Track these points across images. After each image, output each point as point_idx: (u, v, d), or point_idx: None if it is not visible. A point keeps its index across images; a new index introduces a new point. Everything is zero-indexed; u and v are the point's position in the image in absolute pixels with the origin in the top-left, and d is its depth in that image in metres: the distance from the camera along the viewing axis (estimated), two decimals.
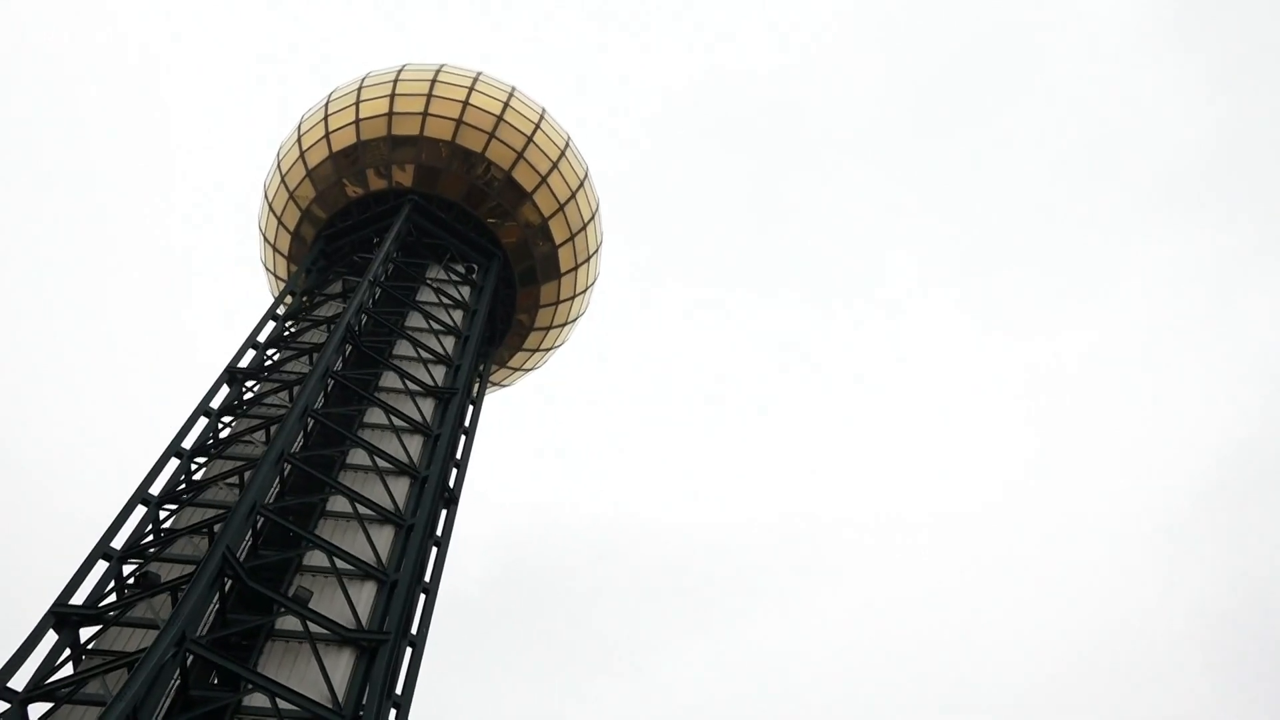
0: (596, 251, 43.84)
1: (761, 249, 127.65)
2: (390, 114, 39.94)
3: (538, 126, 41.20)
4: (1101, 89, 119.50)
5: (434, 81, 40.67)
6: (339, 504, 26.91)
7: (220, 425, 29.65)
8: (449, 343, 35.29)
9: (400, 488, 28.35)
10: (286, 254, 41.80)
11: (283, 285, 41.58)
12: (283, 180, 40.97)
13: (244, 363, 31.88)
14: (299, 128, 41.51)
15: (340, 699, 21.58)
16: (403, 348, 34.01)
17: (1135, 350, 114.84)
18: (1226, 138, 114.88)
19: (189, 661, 20.31)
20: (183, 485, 27.18)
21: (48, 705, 20.83)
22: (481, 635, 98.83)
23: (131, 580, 23.87)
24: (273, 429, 28.04)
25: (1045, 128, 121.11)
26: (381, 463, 28.66)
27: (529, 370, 46.43)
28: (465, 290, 38.36)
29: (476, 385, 38.43)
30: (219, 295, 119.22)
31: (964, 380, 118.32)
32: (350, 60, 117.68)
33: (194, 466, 28.08)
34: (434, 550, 29.55)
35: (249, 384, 31.55)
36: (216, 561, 21.29)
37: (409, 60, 42.20)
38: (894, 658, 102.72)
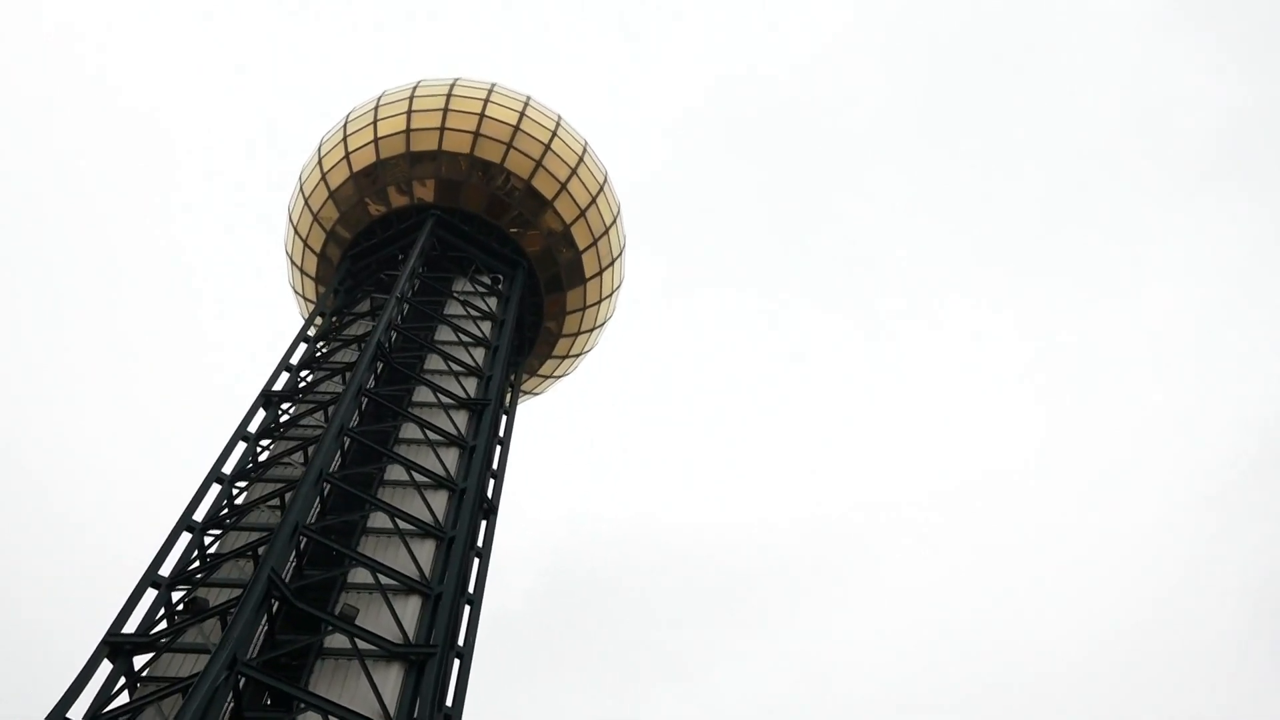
0: (620, 255, 43.91)
1: (780, 248, 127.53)
2: (408, 130, 40.21)
3: (554, 134, 41.32)
4: (1117, 74, 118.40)
5: (449, 96, 40.89)
6: (379, 520, 27.10)
7: (259, 448, 29.97)
8: (479, 354, 35.46)
9: (439, 501, 28.51)
10: (314, 275, 42.18)
11: (311, 307, 41.98)
12: (306, 203, 41.35)
13: (278, 385, 32.21)
14: (319, 150, 41.90)
15: (392, 713, 21.74)
16: (433, 362, 34.21)
17: (1173, 327, 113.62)
18: (1247, 119, 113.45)
19: (241, 684, 20.53)
20: (225, 510, 27.47)
21: None
22: (532, 649, 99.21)
23: (180, 606, 24.15)
24: (310, 450, 28.30)
25: (1062, 117, 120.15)
26: (419, 477, 28.83)
27: (560, 377, 46.56)
28: (492, 301, 38.53)
29: (508, 395, 38.59)
30: (238, 321, 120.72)
31: (994, 364, 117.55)
32: (367, 78, 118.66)
33: (235, 491, 28.38)
34: (476, 561, 29.71)
35: (284, 406, 31.85)
36: (263, 584, 21.52)
37: (423, 76, 42.51)
38: (941, 646, 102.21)
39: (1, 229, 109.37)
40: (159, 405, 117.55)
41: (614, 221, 43.16)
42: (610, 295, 44.18)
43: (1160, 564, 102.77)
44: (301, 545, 24.98)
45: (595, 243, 42.13)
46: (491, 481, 33.17)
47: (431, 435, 30.62)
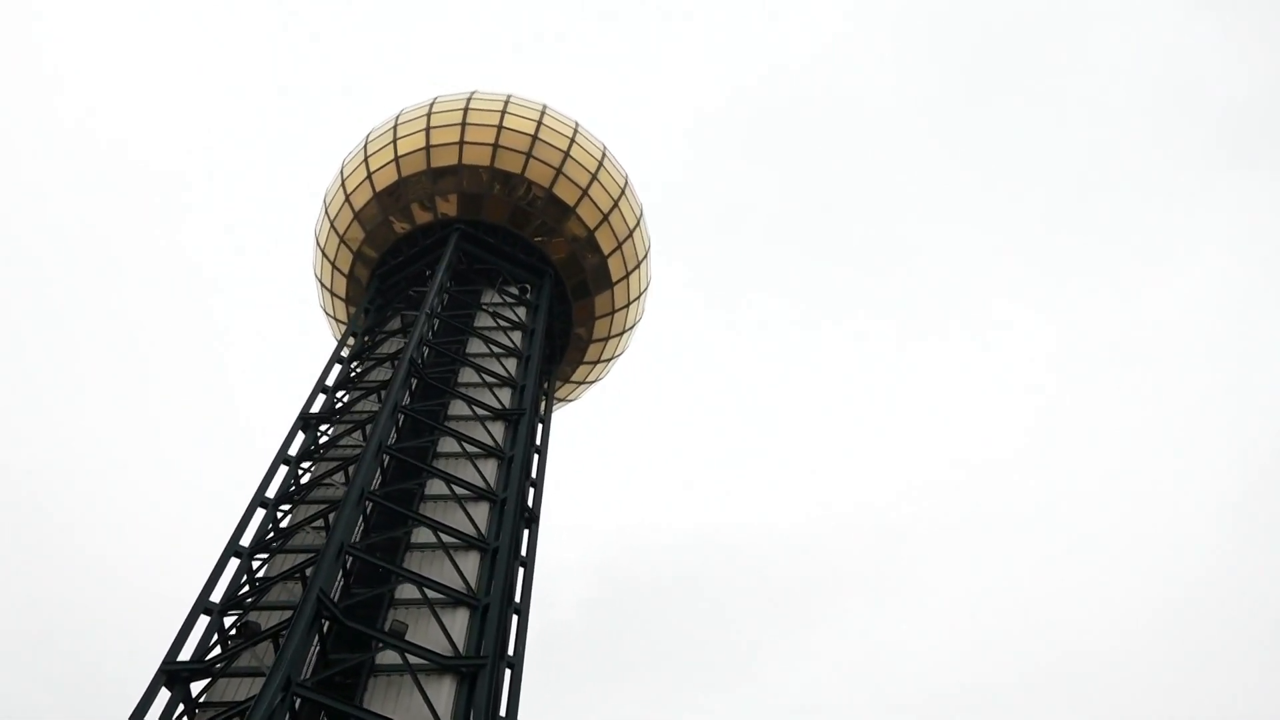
0: (645, 257, 43.91)
1: (806, 246, 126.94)
2: (427, 147, 40.45)
3: (573, 140, 41.41)
4: (1139, 52, 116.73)
5: (466, 109, 41.10)
6: (423, 535, 27.26)
7: (300, 471, 30.25)
8: (511, 364, 35.59)
9: (480, 512, 28.62)
10: (344, 297, 42.55)
11: (342, 328, 42.34)
12: (331, 225, 41.72)
13: (315, 407, 32.49)
14: (341, 171, 42.26)
15: None
16: (467, 375, 34.38)
17: (1207, 313, 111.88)
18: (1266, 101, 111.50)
19: (298, 705, 20.73)
20: (271, 534, 27.75)
21: None
22: (586, 658, 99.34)
23: (233, 631, 24.43)
24: (351, 469, 28.52)
25: (1084, 100, 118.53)
26: (459, 490, 28.97)
27: (593, 382, 46.62)
28: (521, 311, 38.67)
29: (543, 403, 38.68)
30: (266, 351, 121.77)
31: (1028, 358, 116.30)
32: (384, 94, 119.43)
33: (279, 514, 28.66)
34: (520, 571, 29.80)
35: (323, 428, 32.14)
36: (312, 604, 21.70)
37: (439, 91, 42.79)
38: (992, 639, 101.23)
39: (20, 263, 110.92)
40: (186, 438, 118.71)
41: (638, 224, 43.18)
42: (638, 298, 44.18)
43: (1205, 554, 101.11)
44: (348, 564, 25.18)
45: (620, 246, 42.16)
46: (531, 490, 33.27)
47: (469, 448, 30.76)
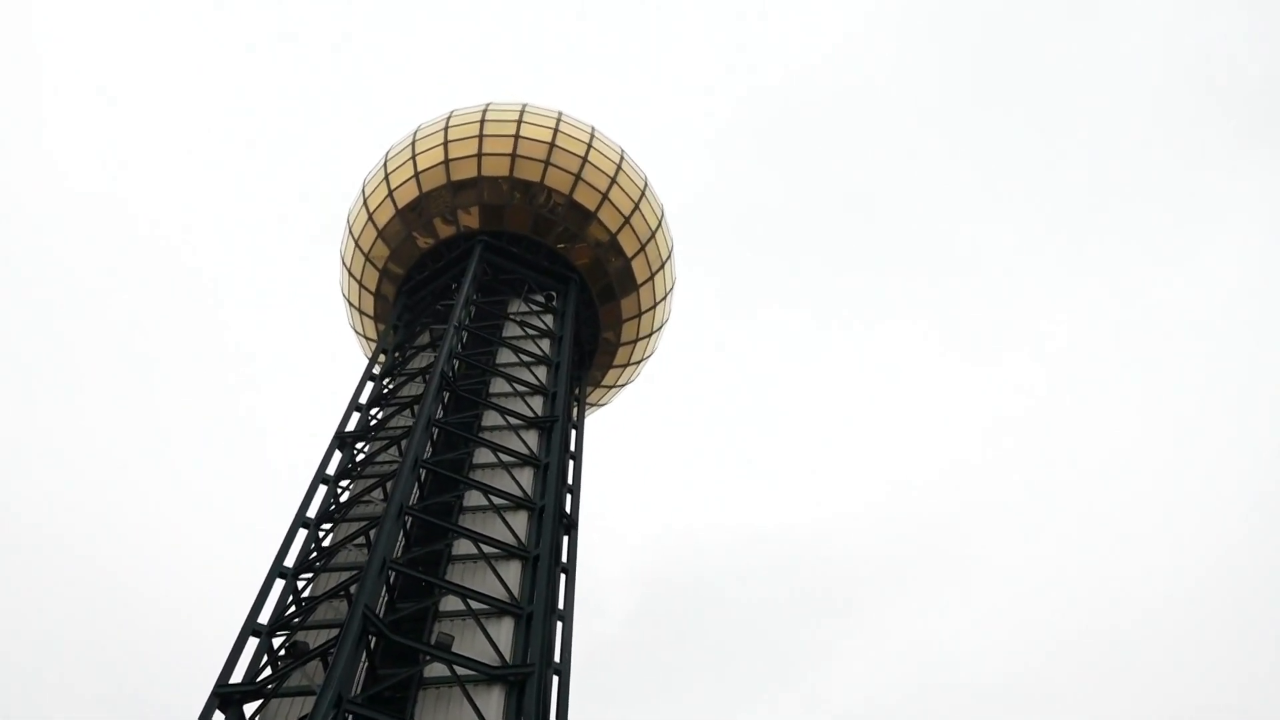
0: (669, 257, 43.88)
1: (832, 243, 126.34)
2: (446, 161, 40.67)
3: (590, 145, 41.48)
4: (1153, 37, 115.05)
5: (482, 121, 41.28)
6: (464, 546, 27.39)
7: (339, 490, 30.49)
8: (541, 372, 35.68)
9: (519, 521, 28.71)
10: (372, 314, 42.87)
11: (372, 346, 42.65)
12: (356, 244, 42.05)
13: (350, 426, 32.74)
14: (363, 191, 42.58)
15: None
16: (498, 385, 34.51)
17: (1252, 288, 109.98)
18: None
19: None
20: (314, 553, 27.99)
21: None
22: (637, 665, 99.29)
23: (282, 651, 24.66)
24: (389, 485, 28.70)
25: (1111, 81, 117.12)
26: (497, 500, 29.07)
27: (622, 386, 46.65)
28: (548, 318, 38.76)
29: (575, 409, 38.74)
30: (291, 371, 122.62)
31: (1069, 347, 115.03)
32: (404, 107, 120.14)
33: (321, 533, 28.90)
34: (562, 578, 29.83)
35: (359, 445, 32.38)
36: (358, 621, 21.86)
37: (456, 103, 43.03)
38: (1045, 632, 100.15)
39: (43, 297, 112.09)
40: (210, 463, 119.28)
41: (659, 224, 43.17)
42: (664, 298, 44.16)
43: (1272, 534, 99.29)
44: (391, 579, 25.34)
45: (643, 248, 42.17)
46: (569, 496, 33.30)
47: (504, 457, 30.87)
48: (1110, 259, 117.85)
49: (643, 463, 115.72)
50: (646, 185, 43.05)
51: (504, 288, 39.43)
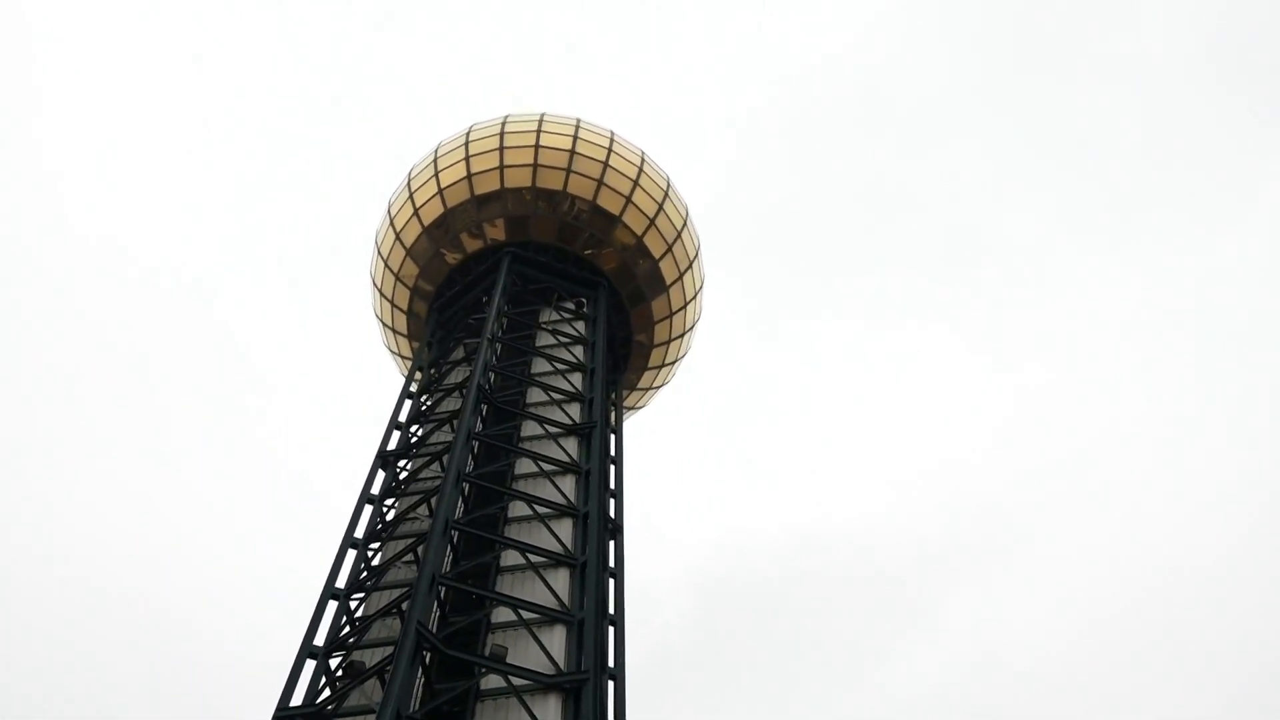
0: (697, 256, 43.84)
1: (868, 234, 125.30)
2: (469, 176, 40.91)
3: (610, 150, 41.54)
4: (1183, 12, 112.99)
5: (502, 134, 41.49)
6: (511, 557, 27.50)
7: (384, 509, 30.74)
8: (577, 379, 35.76)
9: (564, 529, 28.79)
10: (405, 333, 43.22)
11: (408, 364, 42.97)
12: (385, 264, 42.41)
13: (392, 445, 33.01)
14: (389, 210, 42.94)
15: None
16: (534, 394, 34.63)
17: None
18: None
19: None
20: (364, 573, 28.23)
21: None
22: (694, 674, 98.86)
23: (340, 672, 24.88)
24: (433, 501, 28.89)
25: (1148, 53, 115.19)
26: (541, 509, 29.17)
27: (658, 387, 46.64)
28: (580, 325, 38.85)
29: (613, 414, 38.78)
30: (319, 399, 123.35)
31: (1117, 332, 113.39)
32: (418, 119, 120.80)
33: (370, 553, 29.15)
34: (611, 583, 29.85)
35: (401, 464, 32.63)
36: (412, 638, 22.02)
37: (470, 113, 43.32)
38: (1101, 615, 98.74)
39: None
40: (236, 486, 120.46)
41: (684, 224, 43.14)
42: (694, 297, 44.11)
43: None
44: (442, 594, 25.49)
45: (670, 248, 42.16)
46: (612, 501, 33.34)
47: (545, 466, 30.97)
48: (1164, 224, 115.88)
49: (687, 466, 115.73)
50: (669, 185, 43.04)
51: (534, 297, 39.57)
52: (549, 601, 25.83)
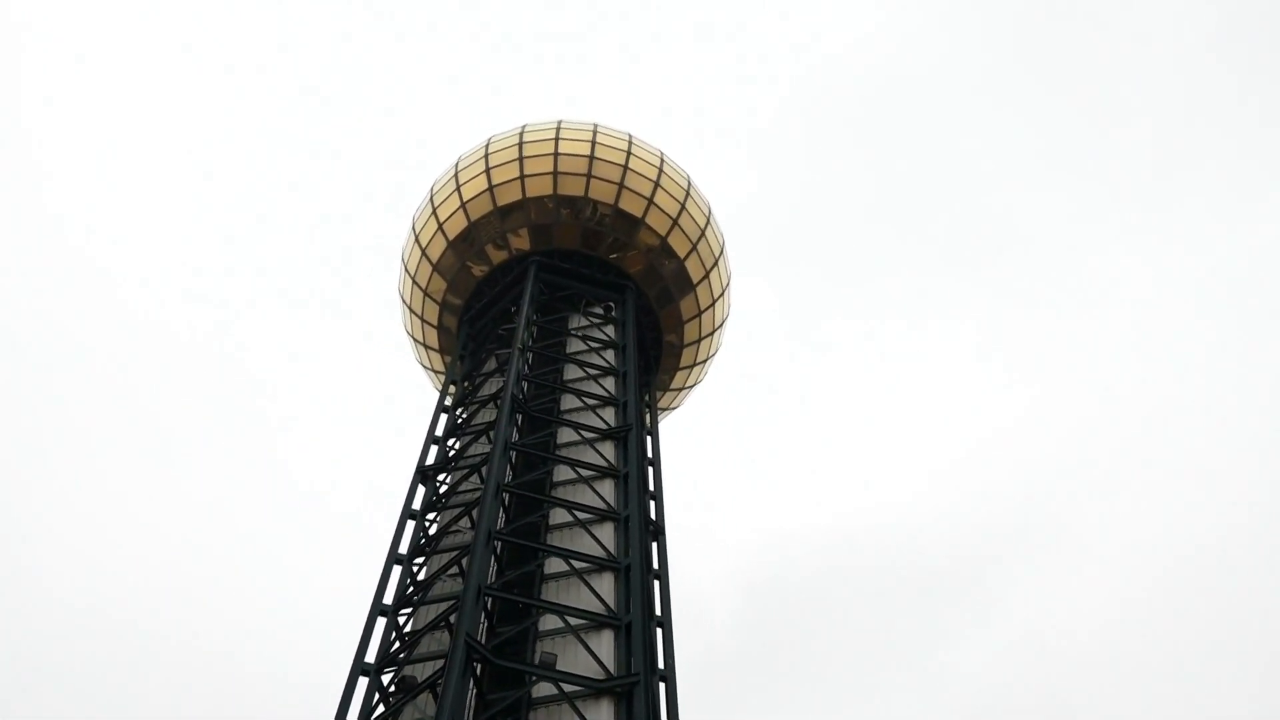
0: (722, 252, 43.77)
1: (894, 227, 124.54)
2: (490, 188, 41.10)
3: (629, 153, 41.58)
4: None
5: (521, 144, 41.65)
6: (555, 564, 27.56)
7: (426, 523, 30.93)
8: (610, 383, 35.79)
9: (606, 533, 28.82)
10: (437, 348, 43.48)
11: (441, 379, 43.21)
12: (413, 281, 42.70)
13: (430, 459, 33.21)
14: (413, 227, 43.23)
15: None
16: (568, 401, 34.70)
17: None
18: None
19: None
20: (410, 588, 28.42)
21: None
22: (752, 672, 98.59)
23: (392, 688, 25.06)
24: (474, 512, 29.03)
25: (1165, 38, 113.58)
26: (581, 515, 29.21)
27: (691, 387, 46.60)
28: (610, 329, 38.90)
29: (648, 415, 38.77)
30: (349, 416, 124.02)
31: (1154, 317, 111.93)
32: (429, 126, 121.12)
33: (415, 568, 29.33)
34: (656, 585, 29.84)
35: (440, 478, 32.82)
36: (461, 650, 22.13)
37: (488, 124, 43.53)
38: (1158, 601, 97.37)
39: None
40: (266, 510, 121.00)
41: (708, 221, 43.09)
42: (721, 295, 44.03)
43: None
44: (488, 605, 25.59)
45: (695, 247, 42.11)
46: (652, 504, 33.32)
47: (583, 472, 31.02)
48: (1215, 186, 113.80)
49: (727, 465, 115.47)
50: (690, 184, 43.00)
51: (562, 304, 39.68)
52: (595, 606, 25.86)
